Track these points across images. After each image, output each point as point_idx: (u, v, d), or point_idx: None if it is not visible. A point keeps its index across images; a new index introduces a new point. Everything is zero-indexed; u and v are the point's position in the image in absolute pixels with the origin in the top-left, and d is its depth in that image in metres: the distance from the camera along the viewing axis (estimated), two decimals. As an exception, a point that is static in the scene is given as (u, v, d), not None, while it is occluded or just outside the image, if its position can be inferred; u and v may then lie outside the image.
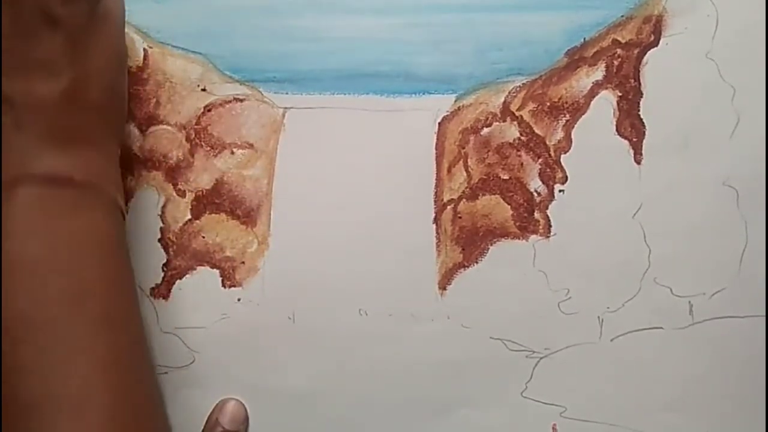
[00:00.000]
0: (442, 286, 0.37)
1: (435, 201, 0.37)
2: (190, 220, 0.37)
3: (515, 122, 0.37)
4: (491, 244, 0.37)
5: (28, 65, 0.29)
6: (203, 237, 0.37)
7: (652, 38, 0.36)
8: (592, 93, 0.36)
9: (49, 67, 0.29)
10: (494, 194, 0.37)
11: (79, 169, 0.30)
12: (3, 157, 0.29)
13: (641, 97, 0.36)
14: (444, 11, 0.36)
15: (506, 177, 0.37)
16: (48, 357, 0.28)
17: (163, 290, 0.37)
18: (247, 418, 0.36)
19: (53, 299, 0.28)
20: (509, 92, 0.36)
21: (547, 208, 0.36)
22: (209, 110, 0.37)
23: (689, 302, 0.36)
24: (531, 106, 0.36)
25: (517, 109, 0.36)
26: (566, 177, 0.36)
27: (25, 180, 0.29)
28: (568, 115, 0.36)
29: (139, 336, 0.32)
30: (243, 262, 0.37)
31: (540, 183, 0.36)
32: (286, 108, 0.37)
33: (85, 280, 0.29)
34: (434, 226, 0.37)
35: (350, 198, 0.37)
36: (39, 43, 0.28)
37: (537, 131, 0.36)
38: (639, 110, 0.36)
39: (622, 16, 0.36)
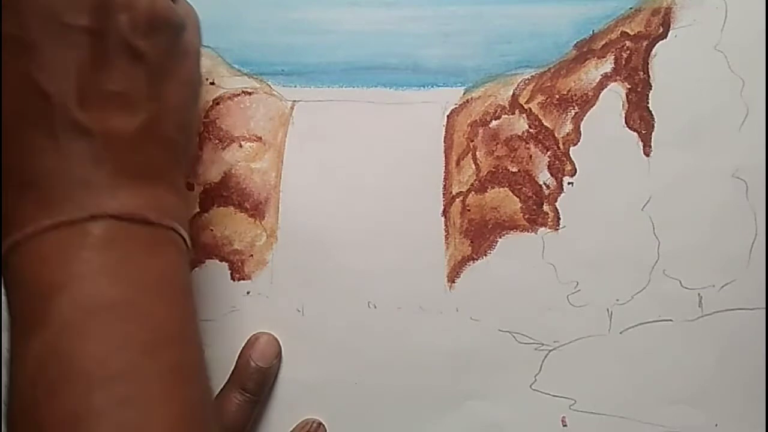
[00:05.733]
0: (451, 279, 0.37)
1: (444, 194, 0.37)
2: (198, 213, 0.37)
3: (524, 115, 0.36)
4: (500, 237, 0.37)
5: (106, 97, 0.27)
6: (212, 230, 0.37)
7: (661, 30, 0.36)
8: (601, 85, 0.36)
9: (127, 101, 0.28)
10: (503, 187, 0.37)
11: (153, 207, 0.28)
12: (79, 194, 0.27)
13: (650, 89, 0.36)
14: (452, 3, 0.36)
15: (515, 169, 0.37)
16: (125, 409, 0.25)
17: (171, 283, 0.37)
18: (279, 353, 0.36)
19: (130, 345, 0.26)
20: (518, 85, 0.36)
21: (555, 201, 0.36)
22: (218, 103, 0.37)
23: (698, 294, 0.36)
24: (540, 98, 0.36)
25: (526, 102, 0.36)
26: (575, 169, 0.36)
27: (99, 218, 0.27)
28: (577, 108, 0.36)
29: (209, 389, 0.30)
30: (252, 255, 0.37)
31: (549, 175, 0.36)
32: (294, 101, 0.37)
33: (160, 326, 0.27)
34: (443, 218, 0.37)
35: (358, 191, 0.37)
36: (119, 75, 0.27)
37: (546, 124, 0.36)
38: (648, 102, 0.36)
39: (631, 8, 0.36)
